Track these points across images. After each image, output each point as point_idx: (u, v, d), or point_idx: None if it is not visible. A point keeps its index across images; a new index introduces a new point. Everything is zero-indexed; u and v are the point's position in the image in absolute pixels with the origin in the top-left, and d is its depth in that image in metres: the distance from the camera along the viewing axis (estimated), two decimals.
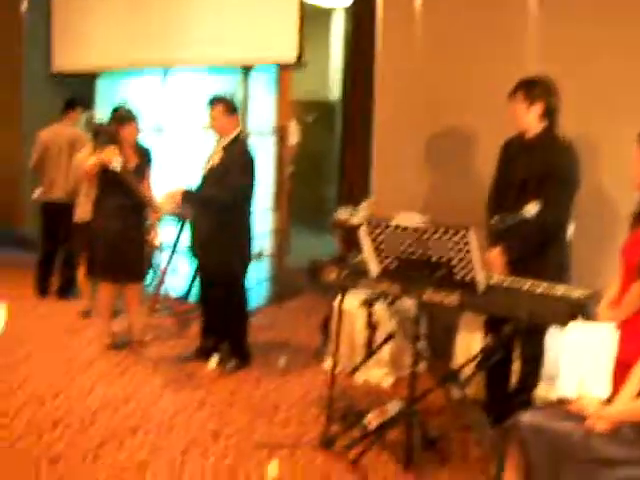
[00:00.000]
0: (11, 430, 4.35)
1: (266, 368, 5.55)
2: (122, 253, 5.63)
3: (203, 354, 5.62)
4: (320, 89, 11.73)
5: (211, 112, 5.34)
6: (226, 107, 5.31)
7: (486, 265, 3.99)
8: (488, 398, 4.51)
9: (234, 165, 5.20)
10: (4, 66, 9.47)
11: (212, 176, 5.26)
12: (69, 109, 7.30)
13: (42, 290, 7.37)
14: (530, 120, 4.20)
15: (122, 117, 5.67)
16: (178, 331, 6.40)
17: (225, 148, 5.29)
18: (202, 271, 5.66)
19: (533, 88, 4.17)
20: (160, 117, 7.80)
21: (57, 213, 7.10)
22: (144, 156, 5.82)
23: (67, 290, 7.33)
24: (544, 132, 4.20)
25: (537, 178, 4.09)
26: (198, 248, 5.45)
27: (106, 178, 5.55)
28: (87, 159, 5.75)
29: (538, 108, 4.16)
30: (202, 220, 5.35)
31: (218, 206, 5.19)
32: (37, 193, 7.40)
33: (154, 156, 5.93)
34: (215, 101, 5.35)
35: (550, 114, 4.18)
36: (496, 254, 4.26)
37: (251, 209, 5.41)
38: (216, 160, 5.28)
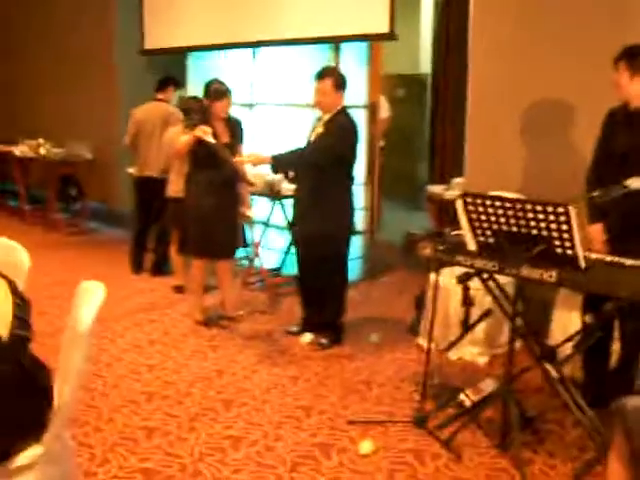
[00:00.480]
0: (108, 402, 4.46)
1: (359, 344, 5.53)
2: (214, 230, 5.66)
3: (308, 328, 5.62)
4: (411, 63, 11.59)
5: (318, 86, 5.20)
6: (336, 81, 5.18)
7: (586, 241, 3.87)
8: (586, 378, 4.39)
9: (332, 131, 5.14)
10: (99, 45, 9.65)
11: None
12: (162, 87, 7.39)
13: (137, 267, 7.51)
14: (634, 90, 4.03)
15: (215, 92, 5.68)
16: (271, 305, 6.43)
17: (328, 122, 5.21)
18: (303, 244, 5.53)
19: (637, 57, 4.00)
20: (251, 93, 7.82)
21: (150, 190, 7.21)
22: (236, 131, 5.83)
23: (161, 266, 7.44)
24: None
25: None
26: (299, 220, 5.42)
27: (198, 154, 5.57)
28: (178, 136, 5.80)
29: None
30: (302, 190, 5.32)
31: (307, 166, 5.18)
32: (132, 170, 7.55)
33: (246, 130, 5.94)
34: (324, 74, 5.22)
35: None
36: (597, 230, 4.13)
37: (352, 180, 5.35)
38: (319, 131, 5.21)
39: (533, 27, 5.54)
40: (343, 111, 5.25)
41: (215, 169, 5.57)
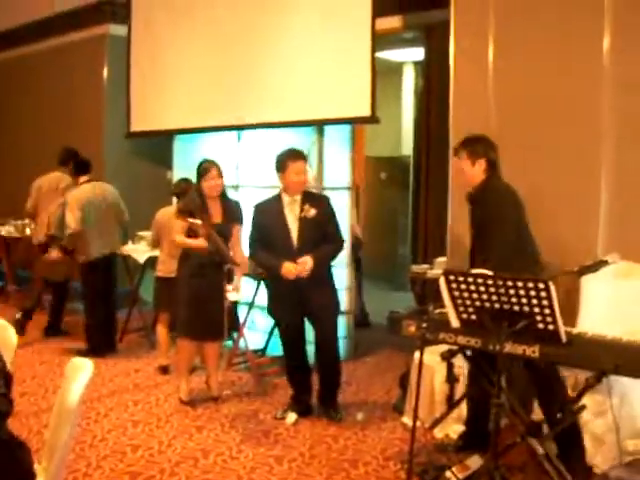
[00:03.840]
0: None
1: (344, 423, 5.54)
2: (205, 310, 5.71)
3: (294, 408, 5.67)
4: (393, 145, 11.84)
5: (299, 168, 5.41)
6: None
7: None
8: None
9: (330, 217, 5.50)
10: (87, 132, 9.82)
11: (311, 231, 5.39)
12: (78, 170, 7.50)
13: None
14: (476, 174, 4.66)
15: (199, 170, 5.77)
16: (256, 386, 6.43)
17: (305, 201, 5.43)
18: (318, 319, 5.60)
19: (475, 146, 4.68)
20: (236, 175, 7.95)
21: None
22: (232, 211, 5.88)
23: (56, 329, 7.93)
24: None
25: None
26: (306, 292, 5.44)
27: (191, 236, 5.69)
28: (173, 222, 5.89)
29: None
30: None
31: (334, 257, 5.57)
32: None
33: (243, 211, 6.00)
34: (304, 157, 5.52)
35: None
36: None
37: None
38: (312, 213, 5.39)
39: (513, 114, 5.73)
40: (312, 191, 5.72)
41: (208, 252, 5.64)
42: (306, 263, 5.27)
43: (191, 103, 8.31)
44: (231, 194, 7.77)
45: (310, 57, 7.17)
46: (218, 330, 5.83)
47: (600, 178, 5.24)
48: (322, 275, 5.43)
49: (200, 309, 5.69)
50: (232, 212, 5.88)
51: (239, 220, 5.94)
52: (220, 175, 5.79)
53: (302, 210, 5.39)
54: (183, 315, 5.77)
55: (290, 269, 5.26)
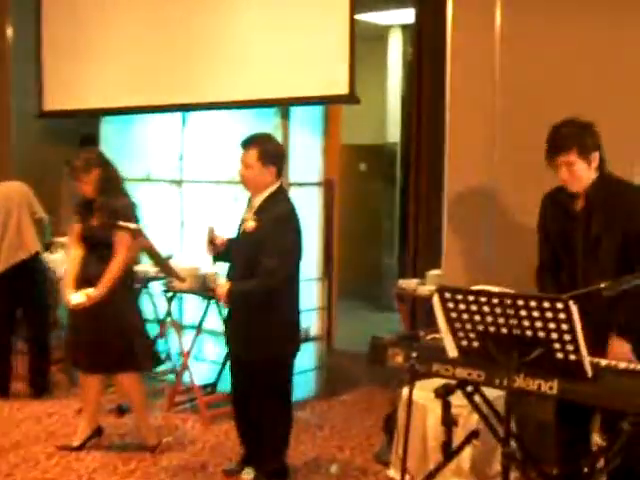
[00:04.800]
0: None
1: (315, 477, 5.48)
2: (101, 339, 5.68)
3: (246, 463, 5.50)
4: (376, 131, 11.83)
5: (243, 157, 5.18)
6: (264, 152, 5.12)
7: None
8: None
9: (272, 238, 5.03)
10: None
11: (246, 248, 5.16)
12: None
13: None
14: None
15: (75, 168, 5.81)
16: (204, 431, 6.37)
17: (259, 210, 5.16)
18: (237, 358, 5.48)
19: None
20: (179, 168, 7.89)
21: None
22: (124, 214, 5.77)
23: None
24: None
25: None
26: (233, 329, 5.38)
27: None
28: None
29: None
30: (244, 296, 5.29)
31: (261, 296, 5.12)
32: None
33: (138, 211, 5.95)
34: (249, 142, 5.19)
35: None
36: (623, 349, 4.19)
37: (298, 277, 5.35)
38: (250, 226, 5.14)
39: (523, 90, 5.72)
40: (278, 193, 5.23)
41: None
42: (222, 288, 5.16)
43: (123, 77, 8.22)
44: (173, 191, 7.78)
45: (272, 21, 7.12)
46: (127, 359, 5.77)
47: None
48: (245, 315, 5.19)
49: (93, 336, 5.71)
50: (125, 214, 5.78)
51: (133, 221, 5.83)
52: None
53: (247, 220, 5.22)
54: (73, 345, 5.88)
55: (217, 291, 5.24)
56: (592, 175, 4.32)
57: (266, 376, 5.19)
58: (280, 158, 5.30)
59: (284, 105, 7.13)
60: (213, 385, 7.21)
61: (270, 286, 5.05)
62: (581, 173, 4.29)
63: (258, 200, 5.19)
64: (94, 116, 8.72)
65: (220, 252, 5.31)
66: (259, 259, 5.01)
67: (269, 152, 5.18)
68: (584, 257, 4.37)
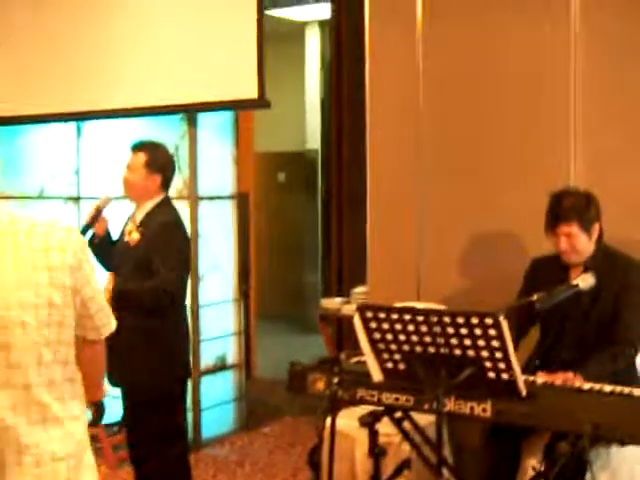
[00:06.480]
0: None
1: None
2: None
3: None
4: (294, 136, 11.83)
5: (129, 161, 5.20)
6: (150, 159, 5.12)
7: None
8: None
9: (163, 247, 4.98)
10: None
11: (130, 263, 5.07)
12: None
13: None
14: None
15: None
16: (109, 475, 6.32)
17: (143, 222, 5.10)
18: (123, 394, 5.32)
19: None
20: (76, 181, 7.80)
21: None
22: None
23: None
24: None
25: None
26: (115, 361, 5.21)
27: None
28: None
29: None
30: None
31: (149, 303, 5.02)
32: None
33: None
34: (138, 147, 5.22)
35: None
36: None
37: (183, 303, 5.30)
38: (134, 239, 5.07)
39: (448, 87, 5.78)
40: (164, 205, 5.20)
41: None
42: (109, 283, 4.97)
43: (9, 82, 8.11)
44: (69, 209, 7.69)
45: (175, 19, 7.08)
46: None
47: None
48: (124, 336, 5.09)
49: None
50: None
51: None
52: None
53: (131, 232, 5.14)
54: None
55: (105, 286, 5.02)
56: (592, 247, 4.44)
57: (146, 410, 5.10)
58: (168, 168, 5.26)
59: (190, 112, 7.10)
60: (120, 424, 7.11)
61: (161, 297, 4.94)
62: (582, 245, 4.39)
63: (142, 212, 5.15)
64: None
65: (96, 230, 5.26)
66: (153, 268, 4.94)
67: (157, 160, 5.17)
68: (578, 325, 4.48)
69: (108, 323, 2.86)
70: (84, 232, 5.19)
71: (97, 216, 5.23)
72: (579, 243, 4.39)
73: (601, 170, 5.16)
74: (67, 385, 2.66)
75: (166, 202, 5.22)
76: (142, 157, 5.13)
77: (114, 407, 6.99)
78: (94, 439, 6.62)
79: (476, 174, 5.60)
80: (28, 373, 2.54)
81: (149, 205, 5.14)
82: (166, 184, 5.20)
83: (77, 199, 7.79)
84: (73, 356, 2.70)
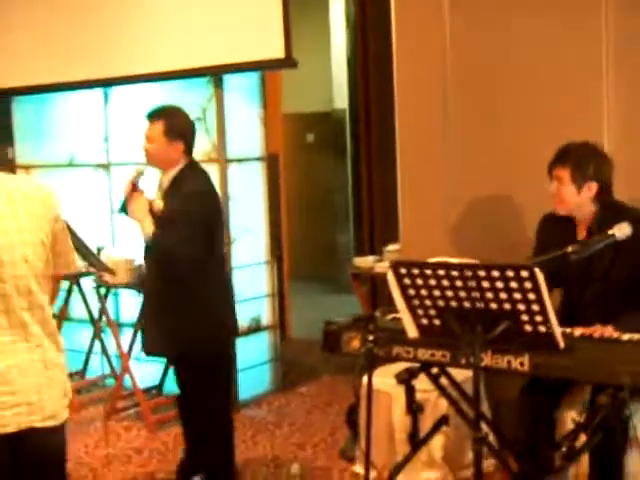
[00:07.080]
0: None
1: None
2: None
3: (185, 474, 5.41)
4: (322, 98, 11.79)
5: (147, 131, 5.13)
6: (169, 126, 5.06)
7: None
8: None
9: (177, 212, 4.96)
10: None
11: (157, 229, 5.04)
12: None
13: None
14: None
15: None
16: (151, 439, 6.35)
17: (168, 190, 5.10)
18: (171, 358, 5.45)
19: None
20: (105, 149, 7.81)
21: None
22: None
23: None
24: None
25: None
26: (150, 324, 5.29)
27: None
28: None
29: None
30: (152, 287, 5.27)
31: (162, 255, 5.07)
32: None
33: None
34: (155, 115, 5.15)
35: None
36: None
37: (222, 264, 5.34)
38: (158, 207, 5.07)
39: (478, 53, 5.71)
40: (188, 170, 5.14)
41: None
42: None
43: (35, 52, 8.11)
44: (100, 176, 7.70)
45: None
46: None
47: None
48: (158, 305, 5.16)
49: None
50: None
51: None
52: None
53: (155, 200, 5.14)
54: None
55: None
56: (583, 204, 4.34)
57: (192, 372, 5.14)
58: (189, 133, 5.20)
59: (216, 74, 7.07)
60: (158, 388, 7.18)
61: (175, 253, 4.93)
62: (567, 196, 4.33)
63: (166, 179, 5.13)
64: (4, 97, 8.59)
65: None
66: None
67: (176, 126, 5.11)
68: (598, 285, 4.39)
69: (73, 262, 3.53)
70: (123, 208, 5.16)
71: (133, 190, 5.20)
72: (564, 191, 4.31)
73: (634, 127, 5.11)
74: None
75: (190, 167, 5.16)
76: (160, 126, 5.07)
77: (152, 371, 7.12)
78: (135, 404, 6.74)
79: (506, 130, 5.55)
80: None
81: (173, 172, 5.10)
82: (189, 149, 5.15)
83: (107, 166, 7.81)
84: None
